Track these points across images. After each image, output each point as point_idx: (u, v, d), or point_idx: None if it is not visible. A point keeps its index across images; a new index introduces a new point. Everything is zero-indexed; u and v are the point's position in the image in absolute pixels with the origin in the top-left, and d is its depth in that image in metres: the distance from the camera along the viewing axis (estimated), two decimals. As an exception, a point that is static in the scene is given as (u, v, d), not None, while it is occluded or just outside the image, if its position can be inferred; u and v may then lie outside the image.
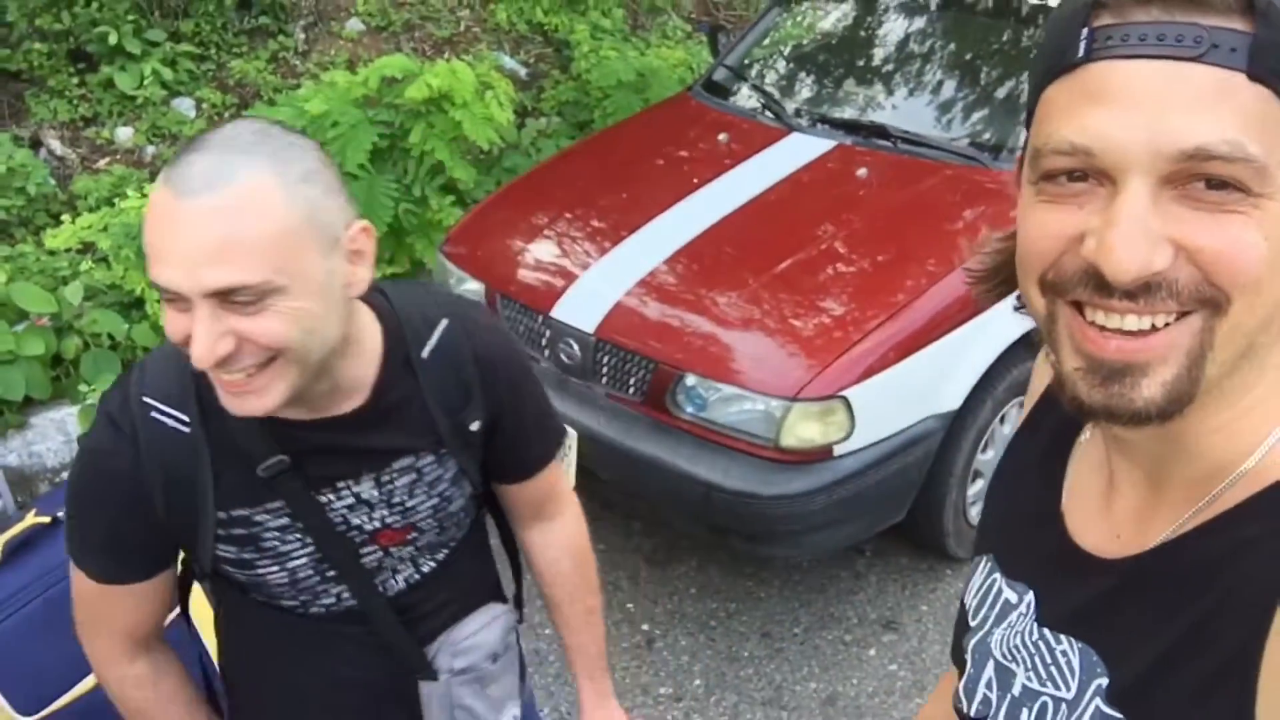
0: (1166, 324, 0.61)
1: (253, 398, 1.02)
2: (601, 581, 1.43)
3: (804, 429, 2.58)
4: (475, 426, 1.24)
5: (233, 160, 0.95)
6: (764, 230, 3.06)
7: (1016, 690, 0.79)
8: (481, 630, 1.34)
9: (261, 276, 0.95)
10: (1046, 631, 0.78)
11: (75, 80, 4.67)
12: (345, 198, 1.05)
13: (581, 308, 2.87)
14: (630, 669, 2.86)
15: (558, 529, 1.47)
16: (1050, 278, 0.64)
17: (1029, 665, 0.79)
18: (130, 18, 4.74)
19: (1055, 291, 0.64)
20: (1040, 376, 0.91)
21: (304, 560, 1.19)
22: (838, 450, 2.61)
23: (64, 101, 4.60)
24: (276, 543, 1.18)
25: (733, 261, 2.95)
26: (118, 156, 4.60)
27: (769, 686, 2.81)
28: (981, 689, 0.84)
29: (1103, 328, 0.62)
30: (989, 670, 0.84)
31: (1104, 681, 0.72)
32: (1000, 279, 0.78)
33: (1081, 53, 0.62)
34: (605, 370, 2.82)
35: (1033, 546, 0.83)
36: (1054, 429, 0.86)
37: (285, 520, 1.17)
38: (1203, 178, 0.59)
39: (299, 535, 1.18)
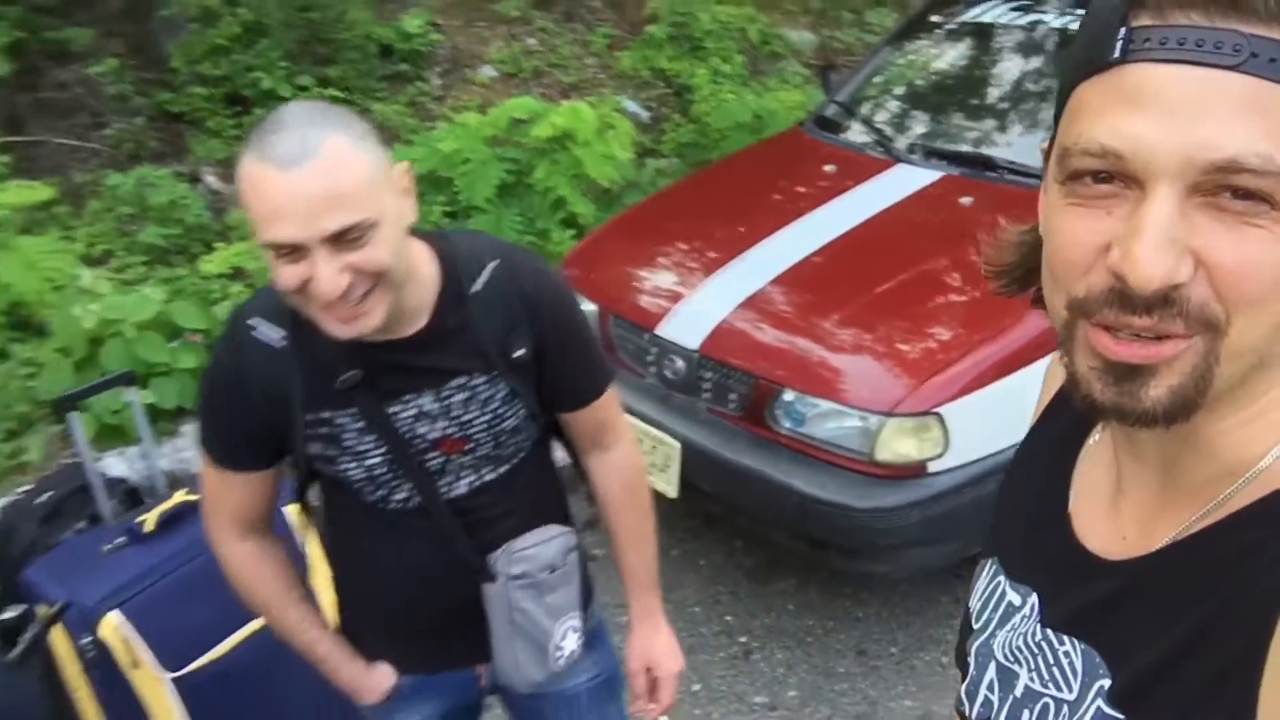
0: (1174, 336, 0.61)
1: (362, 320, 1.24)
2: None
3: (898, 444, 2.64)
4: (520, 354, 1.43)
5: (312, 133, 1.16)
6: (866, 255, 3.15)
7: (1018, 691, 0.80)
8: (540, 545, 1.50)
9: (364, 214, 1.18)
10: (1050, 632, 0.78)
11: (231, 121, 5.08)
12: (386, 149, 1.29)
13: (686, 326, 3.00)
14: (727, 677, 2.93)
15: (613, 457, 1.63)
16: (1079, 297, 0.63)
17: (1031, 666, 0.79)
18: (282, 64, 5.14)
19: (1082, 313, 0.63)
20: (1051, 381, 0.92)
21: (378, 460, 1.40)
22: (932, 467, 2.66)
23: (220, 141, 5.00)
24: (354, 442, 1.39)
25: (834, 284, 3.04)
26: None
27: (863, 702, 2.84)
28: (983, 691, 0.84)
29: (1117, 332, 0.62)
30: (991, 672, 0.84)
31: (1106, 683, 0.72)
32: (1019, 274, 0.78)
33: (1118, 53, 0.60)
34: (707, 386, 2.94)
35: (1038, 549, 0.83)
36: (1062, 432, 0.86)
37: (361, 424, 1.38)
38: (1230, 188, 0.58)
39: (373, 438, 1.39)
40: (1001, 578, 0.87)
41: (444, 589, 1.51)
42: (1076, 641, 0.75)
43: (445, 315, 1.38)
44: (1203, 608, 0.66)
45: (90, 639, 1.98)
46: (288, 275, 1.20)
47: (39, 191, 4.05)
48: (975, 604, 0.90)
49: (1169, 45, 0.58)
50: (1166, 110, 0.58)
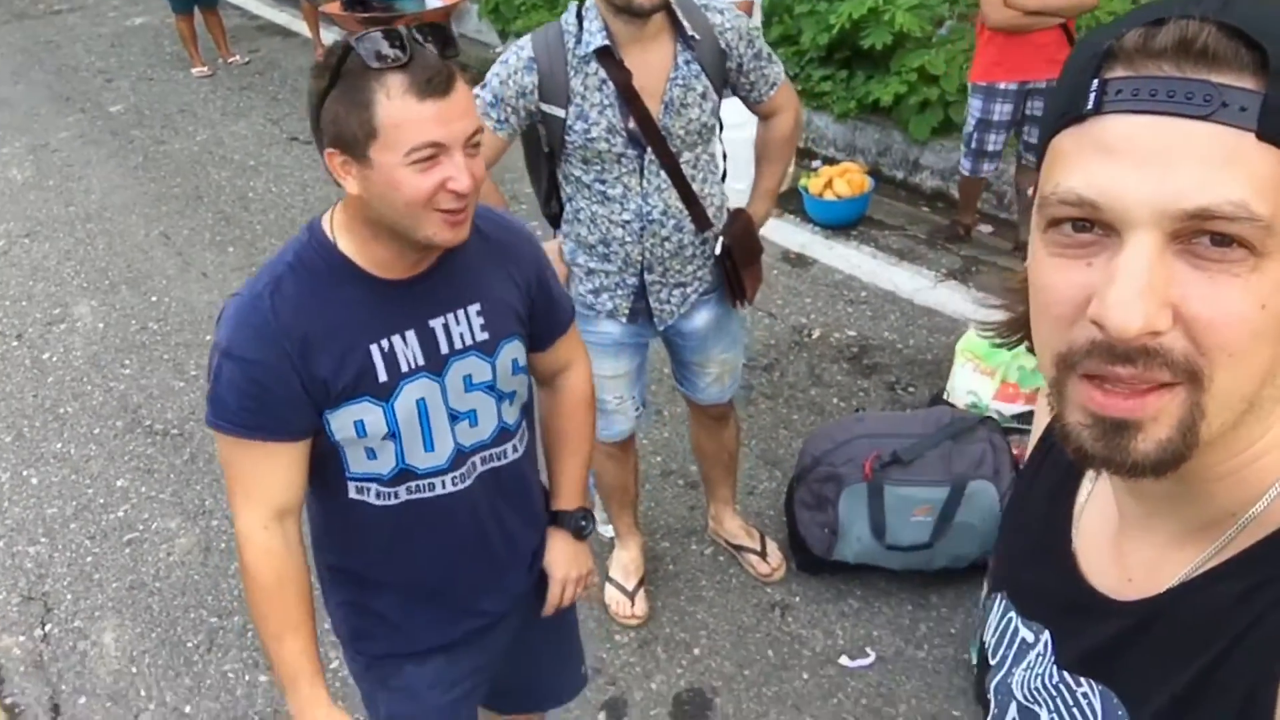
0: (1162, 385, 0.61)
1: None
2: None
3: None
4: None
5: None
6: None
7: None
8: None
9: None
10: (1066, 674, 0.79)
11: None
12: None
13: None
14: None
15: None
16: (1064, 351, 0.64)
17: (1051, 708, 0.80)
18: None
19: (1069, 367, 0.64)
20: (1043, 414, 0.92)
21: None
22: None
23: None
24: None
25: None
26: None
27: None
28: None
29: (1104, 384, 0.62)
30: (1012, 711, 0.85)
31: None
32: (1017, 334, 0.79)
33: (1091, 104, 0.61)
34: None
35: (1046, 586, 0.84)
36: (1062, 465, 0.86)
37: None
38: (1207, 233, 0.58)
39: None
40: (1013, 614, 0.88)
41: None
42: (1094, 683, 0.76)
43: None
44: (1212, 649, 0.67)
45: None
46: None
47: None
48: (990, 639, 0.91)
49: (1141, 96, 0.59)
50: (1140, 160, 0.59)
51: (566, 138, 2.27)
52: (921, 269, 4.51)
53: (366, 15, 6.91)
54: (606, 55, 2.21)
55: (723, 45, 2.29)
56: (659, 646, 2.90)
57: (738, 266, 2.53)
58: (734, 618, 2.96)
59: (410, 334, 1.52)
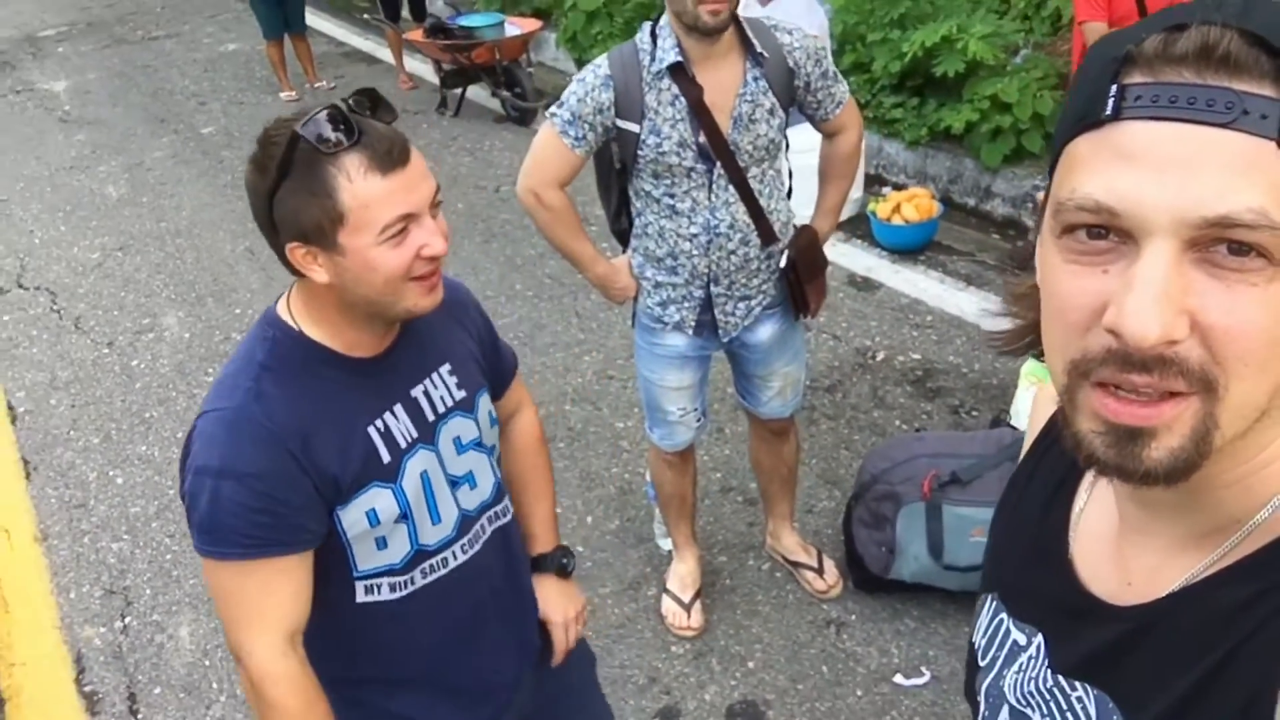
0: (1176, 394, 0.61)
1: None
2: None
3: None
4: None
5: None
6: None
7: None
8: None
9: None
10: (1060, 678, 0.78)
11: None
12: None
13: None
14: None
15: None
16: (1077, 358, 0.63)
17: (1045, 711, 0.79)
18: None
19: (1081, 375, 0.63)
20: (1039, 409, 0.92)
21: None
22: None
23: None
24: None
25: None
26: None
27: None
28: None
29: (1118, 392, 0.62)
30: (1004, 714, 0.85)
31: None
32: (1025, 341, 0.79)
33: (1110, 109, 0.60)
34: None
35: (1041, 589, 0.83)
36: (1058, 468, 0.86)
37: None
38: (1225, 241, 0.58)
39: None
40: (1004, 615, 0.87)
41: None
42: (1089, 687, 0.75)
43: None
44: (1213, 654, 0.66)
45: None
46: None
47: None
48: (980, 640, 0.90)
49: (1160, 103, 0.59)
50: (1159, 167, 0.58)
51: (639, 152, 2.34)
52: (989, 294, 4.49)
53: (447, 42, 7.11)
54: (679, 72, 2.28)
55: (791, 64, 2.35)
56: (714, 658, 2.93)
57: (802, 280, 2.58)
58: (789, 633, 2.98)
59: (398, 408, 1.49)
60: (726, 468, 3.65)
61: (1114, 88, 0.61)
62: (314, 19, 9.67)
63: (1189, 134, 0.58)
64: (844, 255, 4.95)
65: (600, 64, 2.35)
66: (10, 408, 4.49)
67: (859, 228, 5.14)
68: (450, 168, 6.60)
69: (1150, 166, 0.58)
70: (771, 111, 2.34)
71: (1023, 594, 0.86)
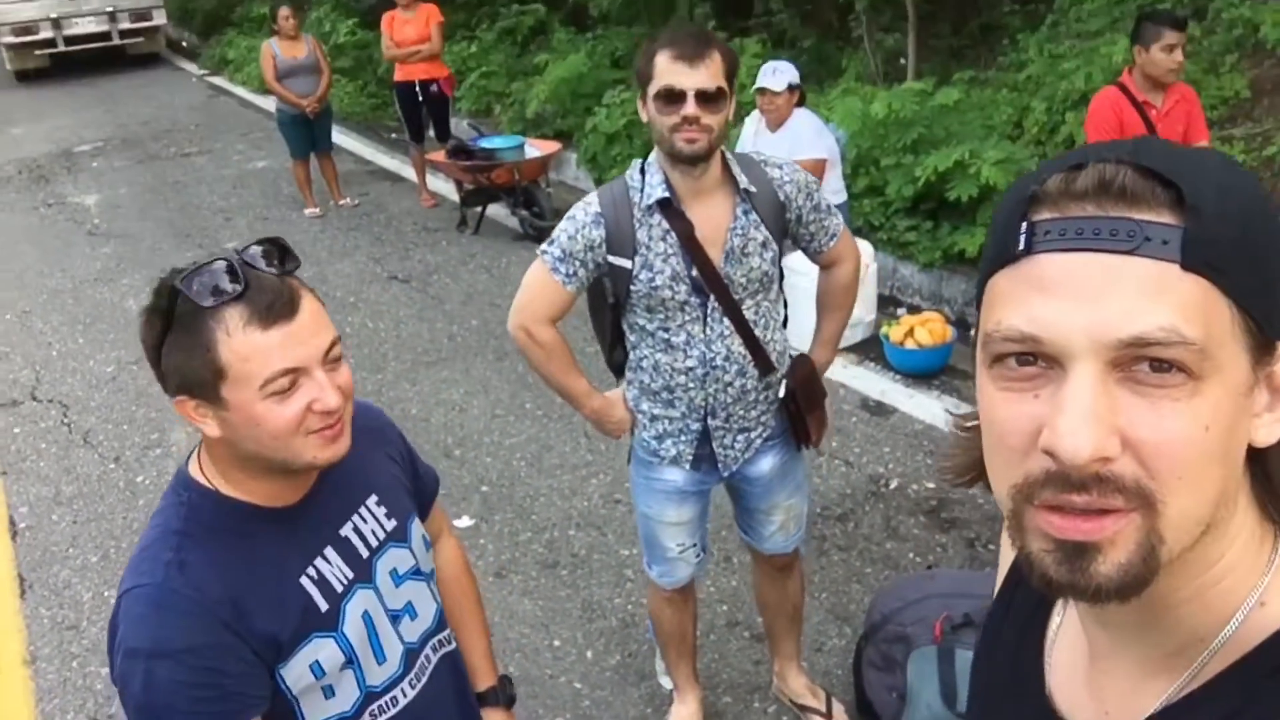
0: (1116, 510, 0.62)
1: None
2: None
3: None
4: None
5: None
6: None
7: None
8: None
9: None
10: None
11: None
12: None
13: None
14: None
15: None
16: (1019, 483, 0.65)
17: None
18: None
19: (1026, 499, 0.65)
20: (1008, 550, 0.91)
21: None
22: None
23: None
24: None
25: None
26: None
27: None
28: None
29: (1062, 510, 0.63)
30: None
31: None
32: (970, 474, 0.79)
33: (1022, 245, 0.64)
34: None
35: None
36: (1028, 603, 0.86)
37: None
38: (1145, 360, 0.61)
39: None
40: None
41: None
42: None
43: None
44: None
45: None
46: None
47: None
48: None
49: (1068, 235, 0.63)
50: (1074, 294, 0.62)
51: (632, 287, 2.32)
52: (1005, 421, 4.41)
53: (469, 163, 7.25)
54: (668, 206, 2.28)
55: (781, 198, 2.34)
56: (715, 809, 2.78)
57: (802, 410, 2.52)
58: (795, 783, 2.82)
59: (329, 551, 1.44)
60: (733, 600, 3.53)
61: (1024, 225, 0.65)
62: (341, 137, 9.94)
63: (1097, 262, 0.62)
64: (857, 378, 4.90)
65: (591, 201, 2.35)
66: (12, 523, 4.44)
67: (872, 350, 5.09)
68: (467, 284, 6.64)
69: (1065, 295, 0.62)
70: (764, 245, 2.33)
71: None
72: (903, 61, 7.65)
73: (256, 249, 1.32)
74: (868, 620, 2.93)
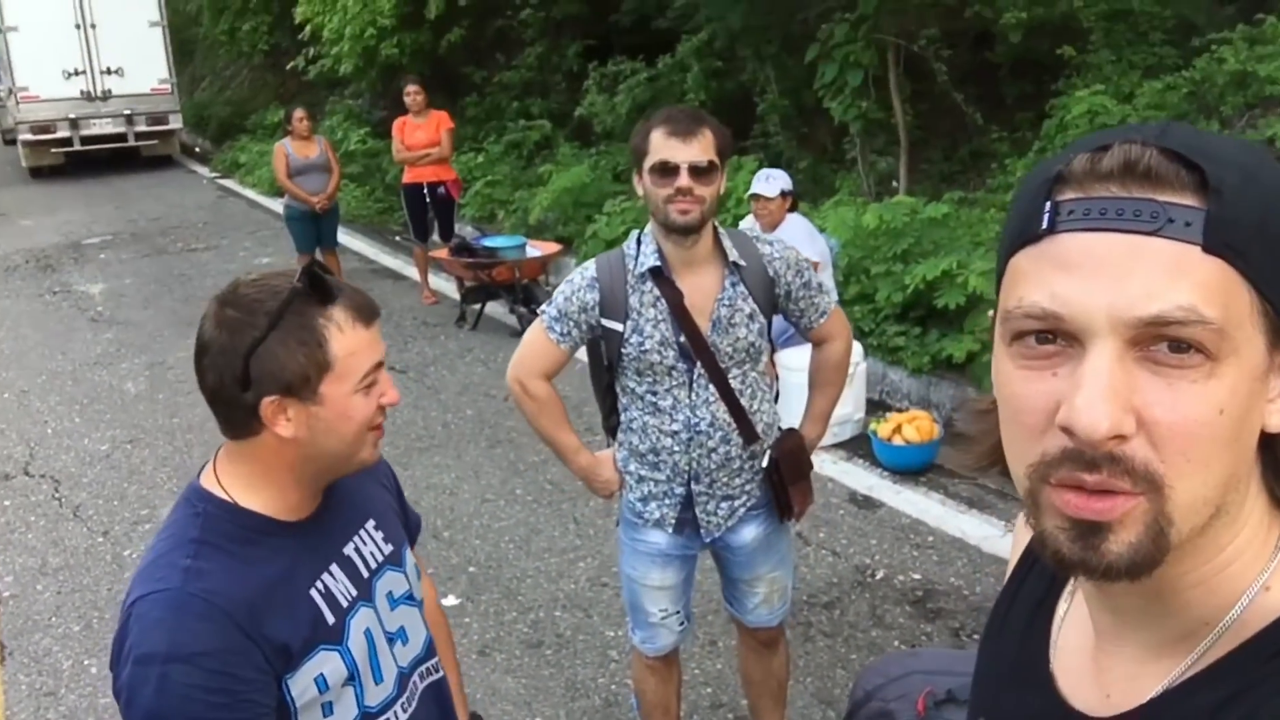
0: (1124, 492, 0.63)
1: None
2: None
3: None
4: None
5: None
6: None
7: None
8: None
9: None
10: None
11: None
12: None
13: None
14: None
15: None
16: (1036, 461, 0.66)
17: None
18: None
19: (1042, 478, 0.66)
20: (1021, 535, 0.93)
21: None
22: None
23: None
24: None
25: None
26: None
27: None
28: None
29: (1077, 489, 0.64)
30: None
31: None
32: (990, 460, 0.79)
33: (1045, 224, 0.65)
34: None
35: (1024, 708, 0.84)
36: (1037, 589, 0.87)
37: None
38: (1165, 339, 0.61)
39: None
40: None
41: None
42: None
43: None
44: None
45: None
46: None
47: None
48: None
49: (1092, 215, 0.63)
50: (1096, 273, 0.63)
51: (623, 350, 2.42)
52: (991, 518, 4.45)
53: (471, 261, 7.42)
54: (660, 275, 2.39)
55: (771, 273, 2.45)
56: None
57: (785, 481, 2.57)
58: None
59: (335, 567, 1.48)
60: (718, 683, 3.52)
61: (1048, 205, 0.65)
62: (347, 238, 10.16)
63: (1120, 242, 0.62)
64: (845, 474, 4.95)
65: (589, 267, 2.48)
66: (-4, 591, 4.42)
67: (860, 447, 5.16)
68: (464, 376, 6.73)
69: (1087, 273, 0.63)
70: (751, 316, 2.43)
71: (1007, 715, 0.86)
72: (895, 184, 7.90)
73: (319, 269, 1.40)
74: (851, 697, 2.92)
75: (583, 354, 2.63)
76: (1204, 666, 0.69)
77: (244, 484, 1.42)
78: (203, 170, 16.96)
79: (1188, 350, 0.61)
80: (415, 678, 1.60)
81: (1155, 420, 0.62)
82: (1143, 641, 0.73)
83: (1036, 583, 0.87)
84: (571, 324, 2.44)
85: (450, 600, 4.07)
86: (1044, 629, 0.84)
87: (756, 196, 5.15)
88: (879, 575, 4.11)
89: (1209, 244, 0.61)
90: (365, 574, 1.52)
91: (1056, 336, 0.65)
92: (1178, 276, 0.61)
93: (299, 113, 8.35)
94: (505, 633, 3.88)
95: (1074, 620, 0.82)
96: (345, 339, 1.35)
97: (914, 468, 4.89)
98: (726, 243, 2.43)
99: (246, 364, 1.32)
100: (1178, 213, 0.62)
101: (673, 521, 2.56)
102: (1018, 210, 0.69)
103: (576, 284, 2.45)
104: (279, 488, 1.42)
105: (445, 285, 8.54)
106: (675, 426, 2.46)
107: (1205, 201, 0.62)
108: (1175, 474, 0.62)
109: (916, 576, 4.08)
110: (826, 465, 4.93)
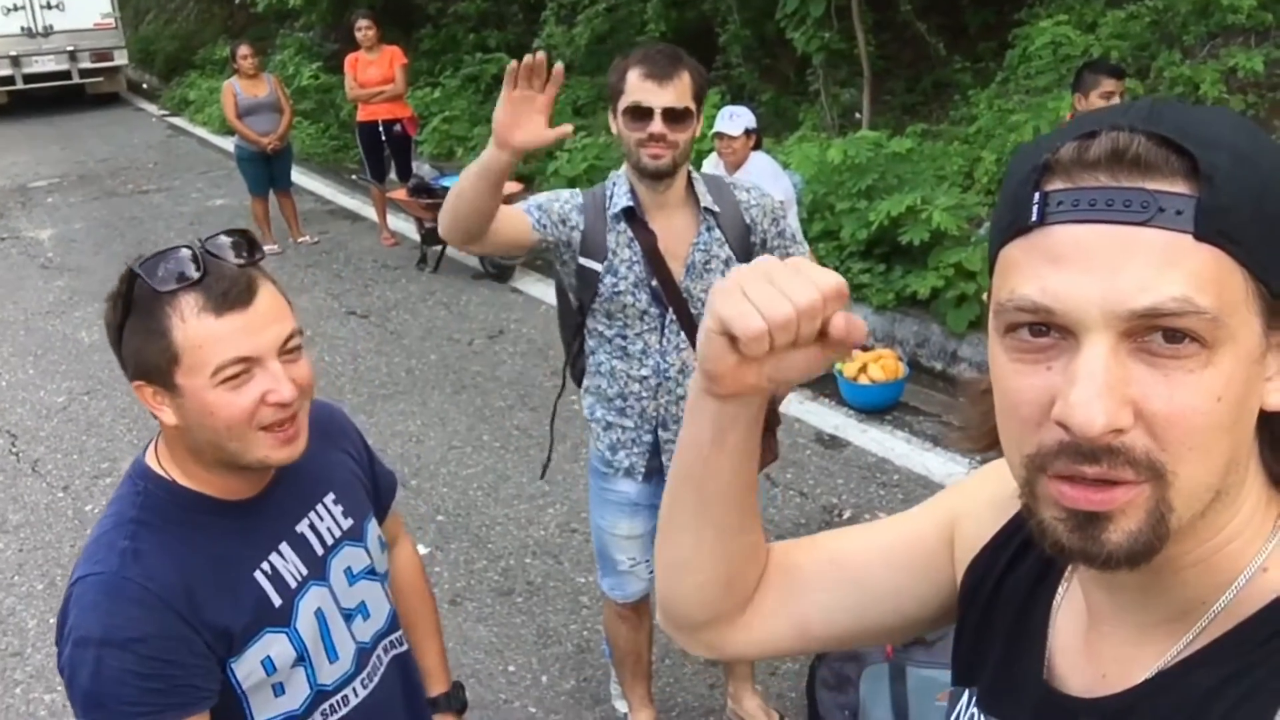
0: (1127, 481, 0.63)
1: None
2: None
3: None
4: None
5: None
6: None
7: None
8: None
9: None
10: None
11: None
12: None
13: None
14: None
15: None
16: (1032, 453, 0.66)
17: None
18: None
19: (1039, 469, 0.65)
20: (990, 480, 0.91)
21: None
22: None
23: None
24: None
25: None
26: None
27: None
28: None
29: (1073, 480, 0.64)
30: None
31: None
32: (987, 441, 0.78)
33: (1035, 216, 0.64)
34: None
35: (1016, 686, 0.83)
36: (1037, 564, 0.86)
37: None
38: (1159, 330, 0.61)
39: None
40: (975, 709, 0.86)
41: None
42: None
43: None
44: None
45: None
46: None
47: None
48: None
49: (1081, 206, 0.62)
50: (1086, 266, 0.61)
51: (599, 289, 2.37)
52: (956, 455, 4.49)
53: (430, 201, 7.30)
54: (633, 216, 2.35)
55: (747, 220, 2.42)
56: (668, 829, 2.77)
57: None
58: (748, 802, 2.83)
59: (284, 547, 1.44)
60: (688, 626, 3.55)
61: (1037, 195, 0.64)
62: (302, 177, 9.95)
63: (1110, 234, 0.61)
64: (811, 413, 4.97)
65: (577, 193, 2.44)
66: (-45, 552, 4.36)
67: (826, 387, 5.17)
68: (426, 320, 6.66)
69: (1078, 266, 0.62)
70: (727, 263, 2.40)
71: (999, 691, 0.85)
72: (857, 115, 7.84)
73: (225, 239, 1.33)
74: (821, 641, 2.97)
75: (551, 297, 2.58)
76: (1200, 647, 0.69)
77: (178, 463, 1.38)
78: (151, 108, 16.51)
79: (1183, 340, 0.61)
80: (379, 651, 1.57)
81: (1153, 412, 0.61)
82: (1138, 622, 0.73)
83: (1036, 559, 0.86)
84: (549, 220, 2.33)
85: (420, 549, 4.06)
86: (1044, 606, 0.84)
87: (720, 135, 5.08)
88: (846, 515, 4.15)
89: (1201, 232, 0.60)
90: (320, 551, 1.48)
91: (1050, 329, 0.64)
92: (1170, 267, 0.60)
93: (244, 50, 8.11)
94: (476, 581, 3.89)
95: (1071, 601, 0.82)
96: (189, 330, 1.25)
97: (880, 406, 4.92)
98: (700, 188, 2.40)
99: (119, 345, 1.31)
100: (1168, 201, 0.61)
101: (642, 470, 2.55)
102: (1006, 199, 0.68)
103: (564, 197, 2.40)
104: (204, 469, 1.37)
105: (405, 226, 8.41)
106: (644, 372, 2.44)
107: (1196, 188, 0.61)
108: (1177, 461, 0.62)
109: (883, 514, 4.10)
110: (793, 405, 4.93)
